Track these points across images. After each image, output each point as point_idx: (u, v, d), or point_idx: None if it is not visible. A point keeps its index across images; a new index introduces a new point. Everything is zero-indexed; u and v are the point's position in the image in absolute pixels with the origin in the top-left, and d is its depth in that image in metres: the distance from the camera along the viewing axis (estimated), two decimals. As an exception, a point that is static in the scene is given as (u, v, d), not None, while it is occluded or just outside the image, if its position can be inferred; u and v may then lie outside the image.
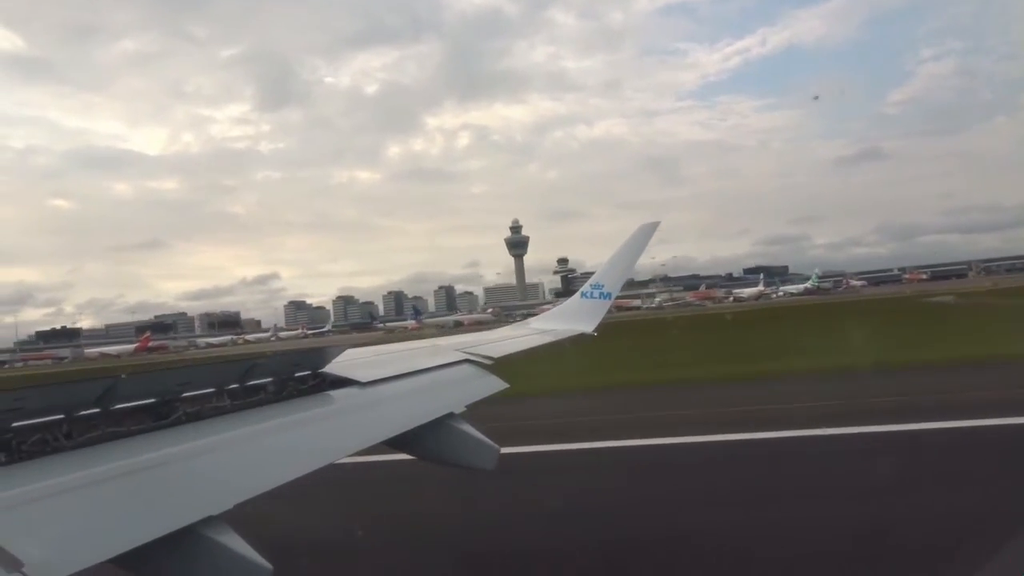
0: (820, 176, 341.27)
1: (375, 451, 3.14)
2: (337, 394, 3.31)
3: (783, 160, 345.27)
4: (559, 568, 6.18)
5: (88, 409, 2.25)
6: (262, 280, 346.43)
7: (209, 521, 2.01)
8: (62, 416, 2.16)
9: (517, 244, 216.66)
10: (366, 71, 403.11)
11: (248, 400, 2.86)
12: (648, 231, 8.31)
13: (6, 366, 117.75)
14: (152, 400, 2.49)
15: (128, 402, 2.39)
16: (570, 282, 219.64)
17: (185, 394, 2.60)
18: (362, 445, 2.98)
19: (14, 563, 1.55)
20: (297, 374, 3.23)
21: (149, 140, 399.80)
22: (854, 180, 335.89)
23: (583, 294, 8.07)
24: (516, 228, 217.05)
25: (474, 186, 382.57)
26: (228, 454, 2.47)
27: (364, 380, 3.48)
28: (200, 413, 2.61)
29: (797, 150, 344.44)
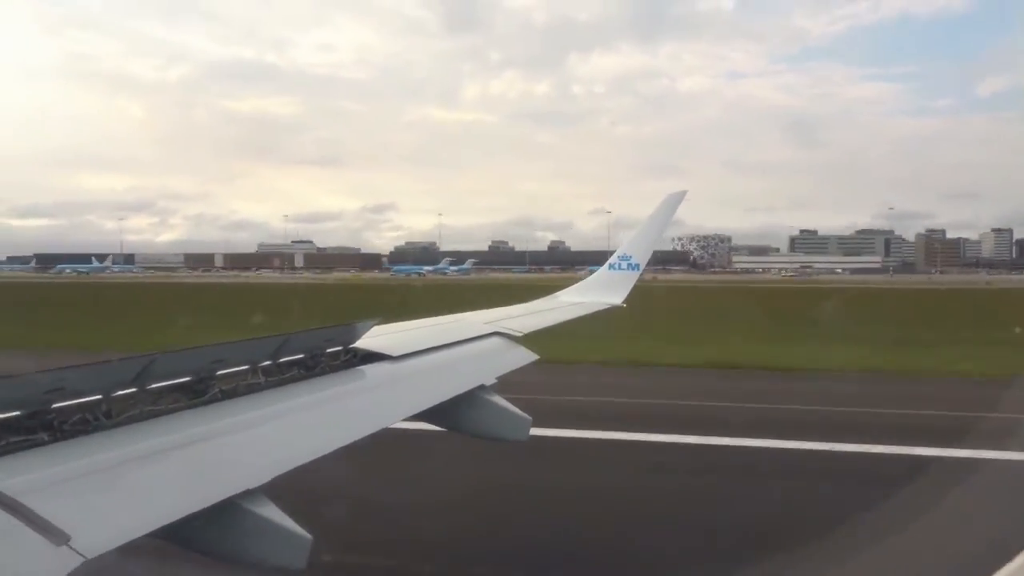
0: (917, 152, 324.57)
1: (408, 424, 3.16)
2: (369, 369, 3.33)
3: (881, 133, 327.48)
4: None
5: (126, 388, 2.28)
6: (378, 209, 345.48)
7: (248, 494, 2.04)
8: (101, 396, 2.20)
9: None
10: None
11: (282, 376, 2.89)
12: (675, 201, 8.20)
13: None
14: (188, 378, 2.53)
15: (164, 381, 2.43)
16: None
17: (220, 372, 2.63)
18: (396, 418, 3.01)
19: (62, 536, 1.58)
20: (329, 350, 3.26)
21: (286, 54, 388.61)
22: (944, 159, 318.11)
23: (611, 266, 8.01)
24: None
25: (571, 139, 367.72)
26: (265, 429, 2.50)
27: (396, 354, 3.50)
28: (236, 390, 2.64)
29: (899, 125, 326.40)
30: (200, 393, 2.51)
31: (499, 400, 3.63)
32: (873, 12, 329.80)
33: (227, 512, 1.97)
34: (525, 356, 4.46)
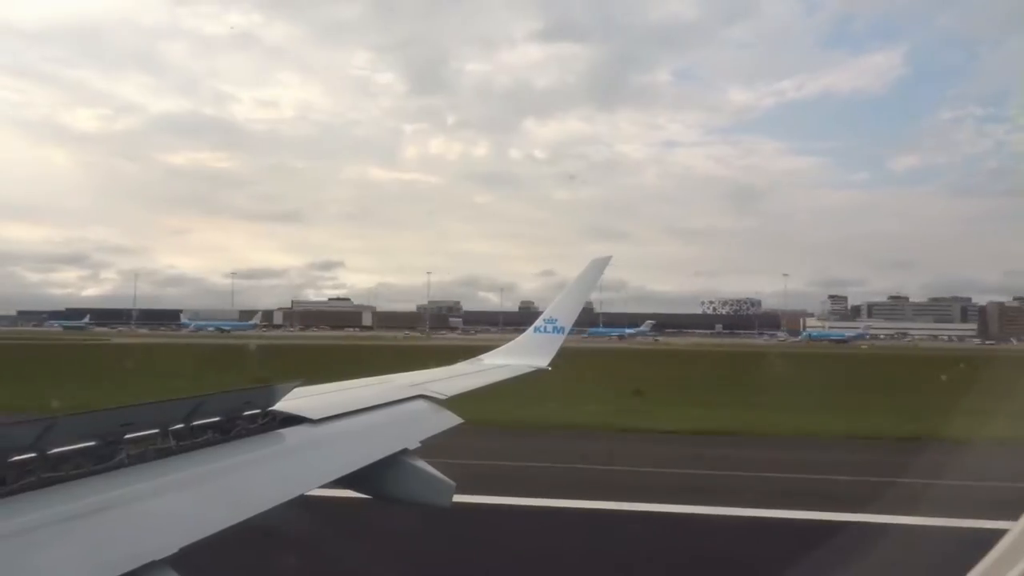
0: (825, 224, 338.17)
1: (327, 490, 3.07)
2: (288, 432, 3.24)
3: (807, 203, 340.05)
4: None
5: (23, 453, 2.15)
6: (326, 266, 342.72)
7: (153, 566, 1.93)
8: None
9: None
10: (510, 65, 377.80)
11: (195, 441, 2.78)
12: (600, 266, 8.45)
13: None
14: (93, 443, 2.40)
15: (66, 445, 2.30)
16: None
17: (128, 435, 2.51)
18: (314, 485, 2.92)
19: None
20: (246, 412, 3.16)
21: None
22: (853, 231, 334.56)
23: (536, 329, 8.12)
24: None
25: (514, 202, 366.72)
26: (173, 497, 2.39)
27: (316, 417, 3.42)
28: (144, 455, 2.52)
29: (823, 196, 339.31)
30: (106, 458, 2.38)
31: (422, 465, 3.58)
32: (797, 90, 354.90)
33: None
34: (450, 419, 4.43)
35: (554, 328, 7.99)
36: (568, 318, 8.11)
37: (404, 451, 3.58)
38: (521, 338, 8.26)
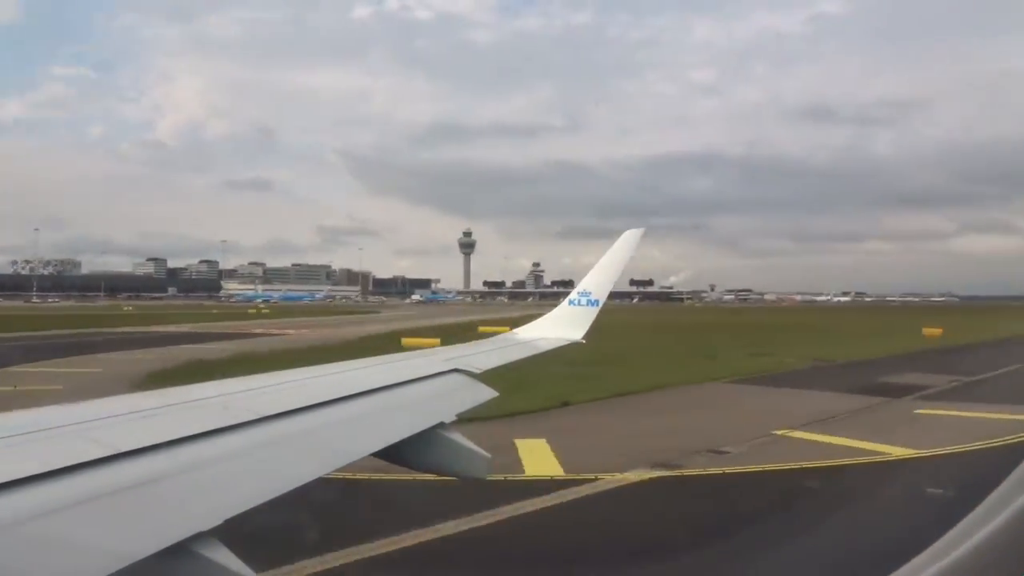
0: None
1: (366, 463, 3.11)
2: (326, 406, 3.28)
3: None
4: None
5: None
6: None
7: (199, 537, 1.97)
8: None
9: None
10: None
11: None
12: (633, 238, 8.36)
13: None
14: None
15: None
16: None
17: None
18: (352, 458, 2.95)
19: None
20: None
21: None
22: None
23: (571, 302, 8.08)
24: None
25: None
26: (216, 470, 2.43)
27: (354, 391, 3.46)
28: None
29: None
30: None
31: (459, 438, 3.60)
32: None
33: (178, 556, 1.90)
34: (486, 393, 4.44)
35: (588, 301, 7.95)
36: (602, 291, 8.06)
37: (441, 424, 3.61)
38: (555, 312, 8.23)
